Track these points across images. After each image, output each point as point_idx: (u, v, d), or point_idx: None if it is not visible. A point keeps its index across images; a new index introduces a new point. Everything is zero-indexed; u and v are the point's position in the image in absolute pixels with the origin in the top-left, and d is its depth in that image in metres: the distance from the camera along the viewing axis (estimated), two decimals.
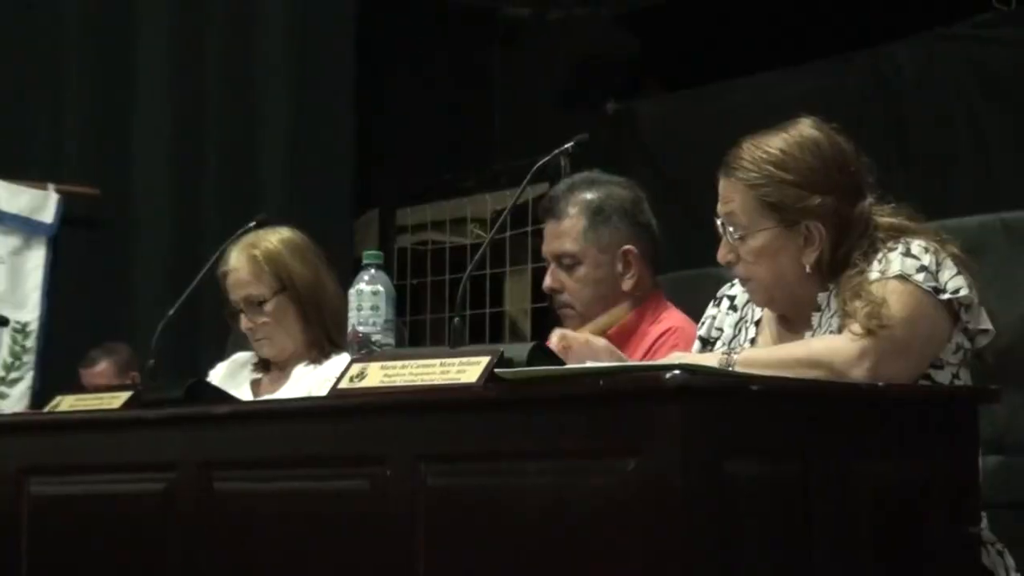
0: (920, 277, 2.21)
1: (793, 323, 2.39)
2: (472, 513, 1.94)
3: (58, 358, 5.30)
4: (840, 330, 2.22)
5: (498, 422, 1.95)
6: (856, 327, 2.16)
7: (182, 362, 4.77)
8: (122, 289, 5.57)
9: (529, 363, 1.97)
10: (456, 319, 2.32)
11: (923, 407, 2.07)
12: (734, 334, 2.51)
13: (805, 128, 2.34)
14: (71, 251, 5.55)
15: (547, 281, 3.04)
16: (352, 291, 2.54)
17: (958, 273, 2.23)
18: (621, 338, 2.96)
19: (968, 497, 2.04)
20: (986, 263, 2.33)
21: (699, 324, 2.60)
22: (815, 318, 2.34)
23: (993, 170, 4.88)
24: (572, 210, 2.99)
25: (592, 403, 1.83)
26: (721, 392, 1.82)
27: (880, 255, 2.27)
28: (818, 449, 1.87)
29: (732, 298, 2.55)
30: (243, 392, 3.20)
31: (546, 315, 5.99)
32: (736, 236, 2.33)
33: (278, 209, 5.37)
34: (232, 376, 3.31)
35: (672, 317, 2.98)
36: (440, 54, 6.71)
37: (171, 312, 3.12)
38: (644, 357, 2.87)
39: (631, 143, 6.00)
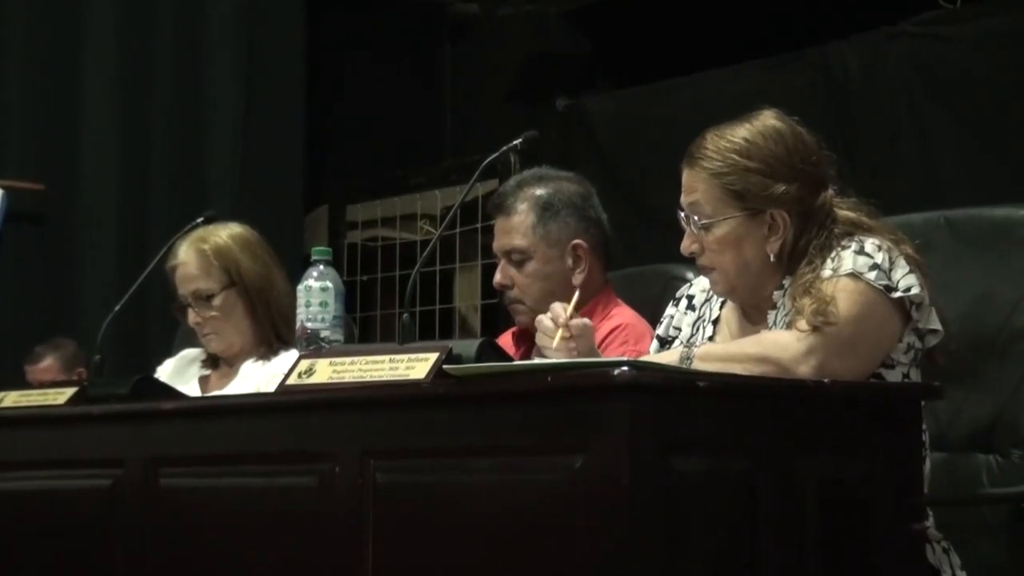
0: (872, 275, 2.22)
1: (753, 319, 2.41)
2: (420, 509, 1.94)
3: (2, 354, 5.25)
4: (790, 326, 2.24)
5: (446, 418, 1.96)
6: (802, 323, 2.18)
7: (130, 358, 4.74)
8: (68, 285, 5.53)
9: (477, 359, 1.98)
10: (405, 315, 2.32)
11: (869, 404, 2.08)
12: (691, 333, 2.52)
13: (768, 119, 2.37)
14: (16, 247, 5.49)
15: (497, 277, 3.05)
16: (301, 287, 2.53)
17: (910, 272, 2.25)
18: None
19: (913, 494, 2.06)
20: (930, 260, 2.35)
21: (657, 323, 2.62)
22: (771, 316, 2.35)
23: (937, 167, 4.93)
24: (521, 206, 3.00)
25: (540, 399, 1.84)
26: (668, 389, 1.83)
27: (834, 252, 2.28)
28: (764, 445, 1.88)
29: (691, 298, 2.57)
30: (191, 388, 3.19)
31: (496, 311, 6.00)
32: (700, 225, 2.35)
33: (227, 205, 5.35)
34: (180, 372, 3.29)
35: (622, 313, 2.99)
36: (390, 50, 6.69)
37: (117, 308, 3.11)
38: None
39: (581, 140, 6.01)
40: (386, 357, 2.03)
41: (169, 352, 3.48)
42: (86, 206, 5.60)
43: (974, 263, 2.56)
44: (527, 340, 3.08)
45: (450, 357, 1.96)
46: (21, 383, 4.34)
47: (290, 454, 2.12)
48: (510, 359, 2.11)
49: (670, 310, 2.59)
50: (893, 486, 2.01)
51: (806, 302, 2.21)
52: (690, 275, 2.96)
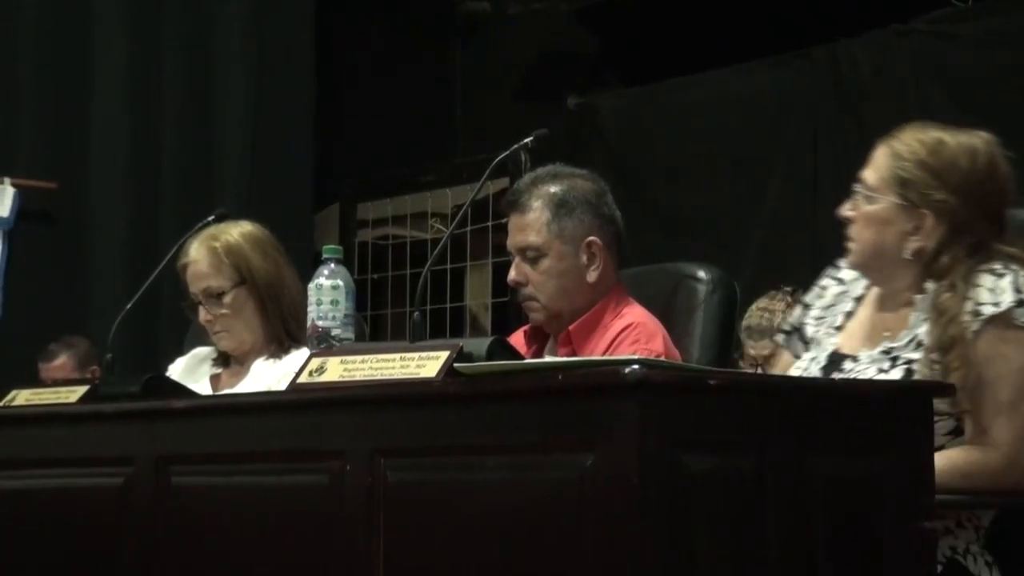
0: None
1: (887, 307, 2.45)
2: (431, 508, 1.94)
3: (15, 352, 5.26)
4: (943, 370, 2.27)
5: (457, 417, 1.96)
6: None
7: (141, 356, 4.75)
8: (80, 283, 5.54)
9: (488, 357, 1.97)
10: (416, 313, 2.32)
11: (879, 402, 2.08)
12: (832, 302, 2.56)
13: (976, 138, 2.43)
14: (28, 245, 5.51)
15: (512, 274, 3.04)
16: (312, 285, 2.54)
17: None
18: (584, 331, 2.97)
19: (923, 492, 2.05)
20: None
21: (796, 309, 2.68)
22: (912, 317, 2.38)
23: None
24: (536, 203, 3.00)
25: (551, 398, 1.84)
26: (678, 387, 1.82)
27: (979, 280, 2.30)
28: (774, 443, 1.88)
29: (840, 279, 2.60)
30: (202, 387, 3.19)
31: (507, 309, 6.00)
32: (861, 195, 2.42)
33: (238, 203, 5.36)
34: (191, 371, 3.30)
35: (634, 312, 2.99)
36: (400, 48, 6.70)
37: (128, 306, 3.11)
38: (606, 351, 2.88)
39: (591, 138, 6.01)
40: (397, 355, 2.03)
41: (180, 350, 3.48)
42: (98, 205, 5.62)
43: None
44: (539, 338, 3.08)
45: (461, 355, 1.96)
46: (34, 380, 4.36)
47: (301, 452, 2.12)
48: (521, 357, 2.11)
49: (809, 297, 2.61)
50: (903, 485, 2.01)
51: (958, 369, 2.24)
52: (701, 273, 2.97)
